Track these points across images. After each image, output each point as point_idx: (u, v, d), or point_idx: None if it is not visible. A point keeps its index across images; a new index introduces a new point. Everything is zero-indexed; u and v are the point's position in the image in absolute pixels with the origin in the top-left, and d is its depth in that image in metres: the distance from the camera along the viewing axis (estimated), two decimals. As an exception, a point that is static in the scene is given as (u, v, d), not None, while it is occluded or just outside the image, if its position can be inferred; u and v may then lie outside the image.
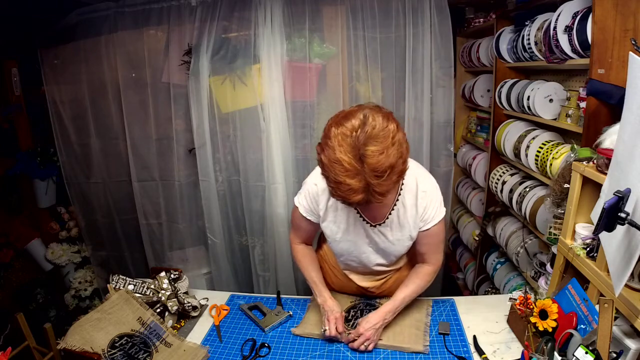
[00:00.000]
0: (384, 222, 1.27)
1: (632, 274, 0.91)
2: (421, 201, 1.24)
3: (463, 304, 1.46)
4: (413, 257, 1.45)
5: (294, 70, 2.04)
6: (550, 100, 1.68)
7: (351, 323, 1.34)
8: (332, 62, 2.07)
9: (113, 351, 1.15)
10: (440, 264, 1.37)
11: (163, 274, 1.44)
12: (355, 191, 0.95)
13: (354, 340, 1.24)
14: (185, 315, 1.43)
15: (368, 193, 0.96)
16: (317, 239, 1.57)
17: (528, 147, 1.74)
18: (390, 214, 1.26)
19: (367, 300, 1.46)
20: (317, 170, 1.19)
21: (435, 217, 1.26)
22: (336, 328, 1.26)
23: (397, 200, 1.25)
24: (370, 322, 1.25)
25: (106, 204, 2.48)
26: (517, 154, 1.83)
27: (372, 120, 0.96)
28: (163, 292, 1.39)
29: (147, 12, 2.10)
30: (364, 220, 1.29)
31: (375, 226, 1.28)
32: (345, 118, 0.99)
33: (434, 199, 1.26)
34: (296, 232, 1.43)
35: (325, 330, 1.27)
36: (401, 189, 1.25)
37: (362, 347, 1.23)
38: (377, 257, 1.35)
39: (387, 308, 1.28)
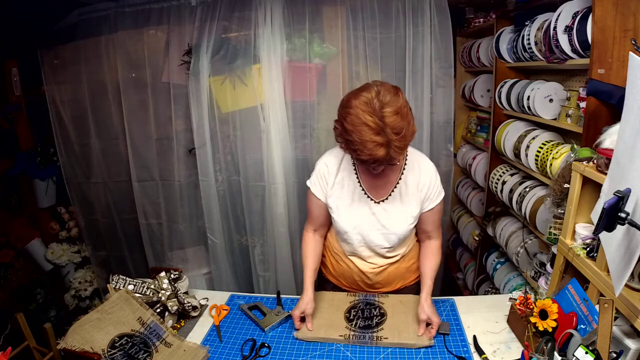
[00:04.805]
0: (387, 199, 1.37)
1: (632, 274, 0.91)
2: (424, 181, 1.36)
3: (463, 304, 1.46)
4: (412, 251, 1.50)
5: (294, 70, 2.04)
6: (550, 100, 1.68)
7: (353, 323, 1.34)
8: (332, 62, 2.07)
9: (113, 351, 1.15)
10: (441, 235, 1.51)
11: (163, 274, 1.44)
12: (380, 145, 1.12)
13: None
14: (185, 315, 1.43)
15: (390, 148, 1.13)
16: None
17: (528, 147, 1.74)
18: (393, 191, 1.37)
19: (366, 299, 1.46)
20: (327, 153, 1.43)
21: (438, 196, 1.39)
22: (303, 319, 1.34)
23: (400, 178, 1.37)
24: (427, 310, 1.29)
25: (106, 204, 2.48)
26: (517, 154, 1.83)
27: (384, 90, 1.15)
28: (163, 292, 1.39)
29: (147, 12, 2.10)
30: (368, 197, 1.37)
31: (378, 202, 1.37)
32: (360, 91, 1.18)
33: (435, 180, 1.38)
34: (309, 218, 1.50)
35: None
36: (404, 168, 1.37)
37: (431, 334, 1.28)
38: (379, 237, 1.39)
39: (424, 295, 1.33)
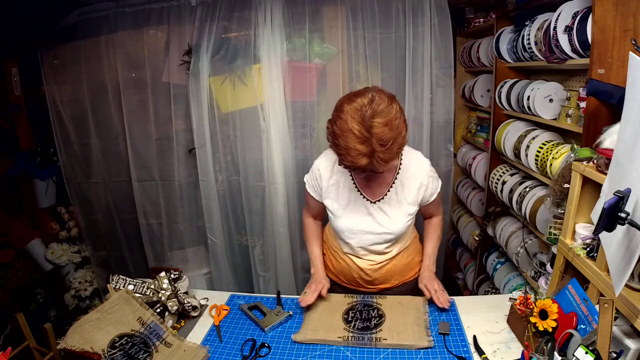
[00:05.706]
0: (383, 199, 1.40)
1: (632, 274, 0.91)
2: (421, 180, 1.39)
3: (463, 304, 1.46)
4: (410, 247, 1.52)
5: (294, 70, 2.04)
6: (550, 100, 1.68)
7: (352, 324, 1.33)
8: (332, 62, 2.07)
9: (113, 351, 1.15)
10: (442, 210, 1.61)
11: (163, 274, 1.44)
12: (363, 155, 1.12)
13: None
14: (185, 315, 1.43)
15: (373, 158, 1.13)
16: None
17: (528, 147, 1.74)
18: (388, 191, 1.39)
19: (364, 300, 1.46)
20: (323, 154, 1.44)
21: (437, 187, 1.46)
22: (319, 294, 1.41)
23: (396, 178, 1.39)
24: (427, 278, 1.44)
25: (106, 204, 2.48)
26: (517, 154, 1.83)
27: (378, 99, 1.14)
28: (163, 292, 1.39)
29: (147, 12, 2.10)
30: (364, 197, 1.39)
31: (375, 202, 1.40)
32: (355, 95, 1.17)
33: (432, 175, 1.42)
34: (307, 207, 1.58)
35: (305, 292, 1.41)
36: (399, 169, 1.39)
37: (444, 301, 1.37)
38: (376, 236, 1.41)
39: (426, 264, 1.49)
